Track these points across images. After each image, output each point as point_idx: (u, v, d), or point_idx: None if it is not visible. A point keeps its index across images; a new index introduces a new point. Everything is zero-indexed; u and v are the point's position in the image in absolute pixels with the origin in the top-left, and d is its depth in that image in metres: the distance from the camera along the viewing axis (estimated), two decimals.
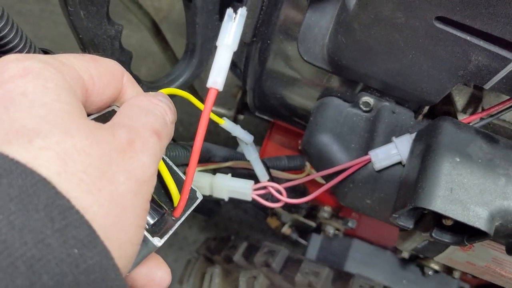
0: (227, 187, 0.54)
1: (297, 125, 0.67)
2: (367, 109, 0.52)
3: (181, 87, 0.58)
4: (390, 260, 0.96)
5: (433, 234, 0.43)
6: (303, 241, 1.05)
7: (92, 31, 0.46)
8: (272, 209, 1.02)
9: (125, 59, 0.50)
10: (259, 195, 0.55)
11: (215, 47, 0.56)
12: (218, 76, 0.34)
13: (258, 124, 1.13)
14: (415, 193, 0.39)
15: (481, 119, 0.48)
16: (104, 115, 0.30)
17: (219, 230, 1.39)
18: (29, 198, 0.20)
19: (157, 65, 1.56)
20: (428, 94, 0.46)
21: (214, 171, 0.61)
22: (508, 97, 0.45)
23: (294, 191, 0.76)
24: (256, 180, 0.56)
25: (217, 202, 0.88)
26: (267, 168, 0.62)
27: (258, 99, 0.64)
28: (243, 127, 0.52)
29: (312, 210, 0.95)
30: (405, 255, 0.93)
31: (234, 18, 0.35)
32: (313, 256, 0.99)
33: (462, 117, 0.49)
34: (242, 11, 0.35)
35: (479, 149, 0.40)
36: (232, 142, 0.63)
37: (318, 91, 0.56)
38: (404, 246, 0.54)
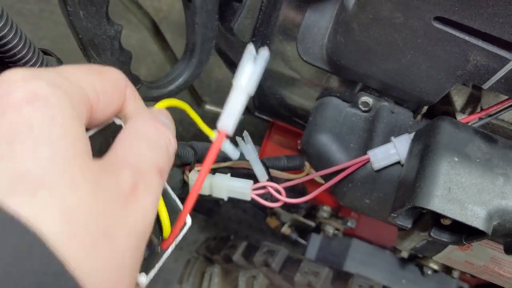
0: (226, 186, 0.54)
1: (297, 125, 0.67)
2: (366, 109, 0.52)
3: (181, 87, 0.58)
4: (389, 260, 0.96)
5: (431, 234, 0.43)
6: (302, 241, 1.05)
7: (92, 31, 0.46)
8: (271, 208, 1.02)
9: (124, 59, 0.50)
10: (258, 195, 0.55)
11: (214, 47, 0.56)
12: (229, 118, 0.31)
13: (257, 124, 1.13)
14: (413, 192, 0.40)
15: (480, 119, 0.48)
16: (104, 130, 0.29)
17: (219, 230, 1.39)
18: (22, 260, 0.19)
19: (157, 65, 1.56)
20: (427, 94, 0.46)
21: (213, 171, 0.61)
22: (506, 97, 0.45)
23: (293, 191, 0.76)
24: (256, 180, 0.57)
25: (217, 201, 0.89)
26: (267, 168, 0.62)
27: (257, 99, 0.64)
28: (243, 127, 0.52)
29: (311, 210, 0.95)
30: (404, 254, 0.93)
31: (255, 58, 0.31)
32: (312, 255, 0.99)
33: (460, 117, 0.49)
34: (264, 53, 0.32)
35: (478, 149, 0.40)
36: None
37: (317, 91, 0.56)
38: (403, 246, 0.54)
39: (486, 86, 0.41)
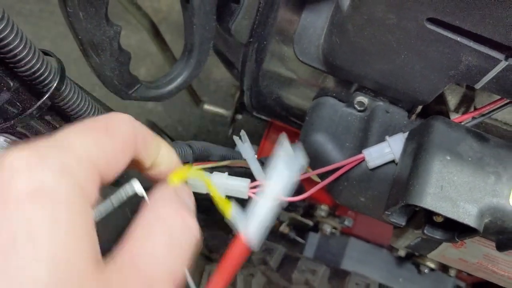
0: (224, 185, 0.54)
1: (294, 124, 0.68)
2: (362, 108, 0.53)
3: (179, 87, 0.59)
4: (386, 258, 0.97)
5: (425, 231, 0.44)
6: (300, 240, 1.06)
7: (91, 32, 0.46)
8: None
9: (123, 59, 0.51)
10: (255, 193, 0.56)
11: (212, 47, 0.57)
12: (255, 228, 0.27)
13: (256, 124, 1.14)
14: (406, 190, 0.40)
15: (473, 118, 0.49)
16: (123, 204, 0.26)
17: (218, 229, 1.40)
18: None
19: (156, 65, 1.57)
20: (421, 93, 0.47)
21: (211, 170, 0.62)
22: (499, 97, 0.46)
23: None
24: (253, 179, 0.57)
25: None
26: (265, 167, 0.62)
27: (255, 99, 0.65)
28: (242, 127, 0.53)
29: (309, 209, 0.96)
30: (401, 253, 0.94)
31: (290, 162, 0.28)
32: (310, 254, 1.00)
33: (454, 116, 0.50)
34: (300, 160, 0.30)
35: (470, 147, 0.41)
36: (230, 142, 0.64)
37: (313, 91, 0.57)
38: (398, 244, 0.55)
39: (478, 86, 0.42)
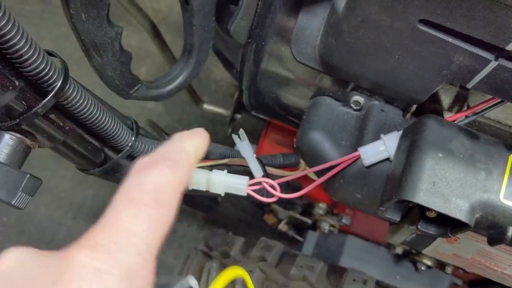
0: (223, 182, 0.56)
1: (292, 123, 0.69)
2: (358, 107, 0.54)
3: (179, 86, 0.60)
4: (384, 256, 0.98)
5: (418, 227, 0.45)
6: (299, 238, 1.07)
7: (93, 32, 0.47)
8: (268, 206, 1.04)
9: (125, 59, 0.52)
10: (254, 191, 0.57)
11: (211, 48, 0.58)
12: None
13: (255, 123, 1.15)
14: (400, 186, 0.42)
15: (466, 117, 0.50)
16: None
17: (218, 228, 1.41)
18: None
19: (156, 65, 1.58)
20: (415, 93, 0.48)
21: (211, 168, 0.63)
22: (491, 96, 0.47)
23: (289, 188, 0.78)
24: (252, 177, 0.58)
25: (215, 199, 0.90)
26: (263, 165, 0.64)
27: (253, 98, 0.66)
28: (241, 126, 0.54)
29: (307, 207, 0.97)
30: (399, 251, 0.95)
31: None
32: (309, 252, 1.01)
33: (447, 115, 0.51)
34: None
35: (461, 145, 0.42)
36: (229, 141, 0.65)
37: (311, 90, 0.58)
38: (393, 239, 0.56)
39: (470, 85, 0.43)
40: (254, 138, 0.85)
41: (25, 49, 0.34)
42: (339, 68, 0.49)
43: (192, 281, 0.30)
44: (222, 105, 1.02)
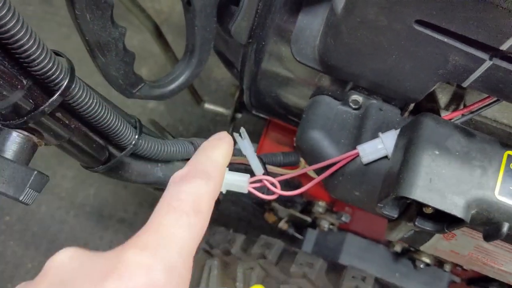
0: (225, 180, 0.57)
1: (291, 122, 0.70)
2: (356, 106, 0.55)
3: (181, 86, 0.61)
4: (383, 254, 0.99)
5: (416, 223, 0.46)
6: (299, 236, 1.08)
7: (98, 33, 0.49)
8: (269, 204, 1.05)
9: (128, 60, 0.53)
10: (255, 188, 0.58)
11: (213, 48, 0.59)
12: None
13: (255, 122, 1.16)
14: (397, 183, 0.43)
15: (463, 115, 0.51)
16: None
17: (218, 227, 1.42)
18: None
19: (158, 65, 1.59)
20: (412, 92, 0.49)
21: None
22: (487, 95, 0.48)
23: (289, 187, 0.79)
24: (253, 175, 0.59)
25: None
26: (263, 164, 0.64)
27: (254, 98, 0.67)
28: (241, 125, 0.55)
29: (307, 205, 0.98)
30: (398, 248, 0.96)
31: None
32: (309, 250, 1.02)
33: (445, 114, 0.52)
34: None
35: (457, 142, 0.43)
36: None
37: (310, 90, 0.59)
38: (392, 236, 0.57)
39: (465, 84, 0.44)
40: (254, 137, 0.86)
41: (33, 49, 0.35)
42: (338, 68, 0.50)
43: None
44: (223, 104, 1.03)
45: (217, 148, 0.34)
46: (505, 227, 0.42)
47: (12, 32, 0.33)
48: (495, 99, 0.48)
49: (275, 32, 0.55)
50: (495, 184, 0.42)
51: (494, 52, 0.40)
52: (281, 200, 0.97)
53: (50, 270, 0.27)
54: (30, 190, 0.38)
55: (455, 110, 0.53)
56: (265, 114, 0.76)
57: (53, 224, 1.47)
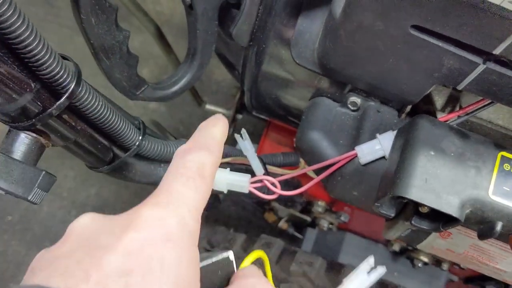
0: (226, 180, 0.58)
1: (291, 123, 0.71)
2: (355, 108, 0.57)
3: (183, 88, 0.62)
4: (382, 253, 1.00)
5: (412, 222, 0.48)
6: (299, 235, 1.09)
7: (103, 37, 0.50)
8: (269, 204, 1.06)
9: (132, 62, 0.54)
10: (256, 188, 0.59)
11: (214, 50, 0.60)
12: None
13: (256, 123, 1.17)
14: (393, 183, 0.44)
15: (458, 117, 0.52)
16: (215, 263, 0.34)
17: (219, 226, 1.43)
18: None
19: (159, 67, 1.60)
20: (409, 94, 0.50)
21: None
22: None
23: (289, 186, 0.80)
24: (253, 175, 0.61)
25: (217, 196, 0.93)
26: (264, 164, 0.66)
27: (254, 99, 0.68)
28: (242, 126, 0.56)
29: (307, 205, 0.99)
30: (396, 248, 0.97)
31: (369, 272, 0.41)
32: (308, 249, 1.04)
33: (441, 116, 0.54)
34: (382, 270, 0.43)
35: (452, 143, 0.45)
36: (230, 140, 0.67)
37: (310, 91, 0.60)
38: (389, 235, 0.58)
39: (460, 87, 0.46)
40: (255, 138, 0.87)
41: (42, 53, 0.36)
42: (336, 71, 0.52)
43: (231, 256, 0.35)
44: (224, 105, 1.04)
45: (215, 126, 0.37)
46: (499, 226, 0.43)
47: (22, 38, 0.34)
48: (489, 101, 0.50)
49: (275, 35, 0.56)
50: (489, 184, 0.44)
51: (487, 56, 0.41)
52: (281, 199, 0.99)
53: (75, 230, 0.30)
54: (38, 189, 0.40)
55: (451, 111, 0.54)
56: (266, 115, 0.77)
57: (54, 223, 1.48)
